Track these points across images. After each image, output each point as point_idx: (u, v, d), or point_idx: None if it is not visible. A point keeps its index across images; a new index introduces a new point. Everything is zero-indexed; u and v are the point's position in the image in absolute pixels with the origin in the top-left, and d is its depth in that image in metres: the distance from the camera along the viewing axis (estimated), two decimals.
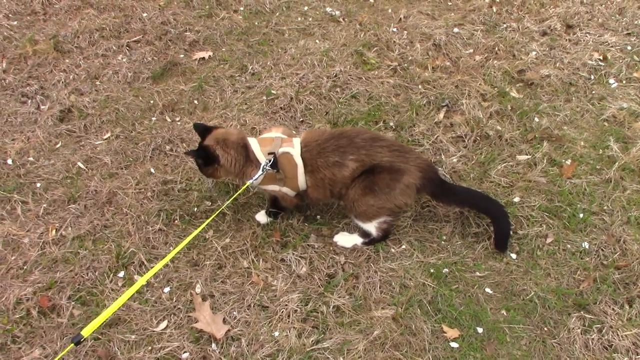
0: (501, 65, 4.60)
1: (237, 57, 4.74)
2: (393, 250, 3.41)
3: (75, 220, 3.55)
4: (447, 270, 3.31)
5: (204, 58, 4.73)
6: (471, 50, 4.78)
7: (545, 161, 3.87)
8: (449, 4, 5.36)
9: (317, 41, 4.88)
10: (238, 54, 4.78)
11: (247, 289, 3.20)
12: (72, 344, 2.19)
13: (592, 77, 4.55)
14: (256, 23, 5.11)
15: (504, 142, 4.03)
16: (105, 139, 4.09)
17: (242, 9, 5.26)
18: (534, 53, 4.72)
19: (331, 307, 3.10)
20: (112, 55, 4.71)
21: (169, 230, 3.51)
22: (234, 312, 3.07)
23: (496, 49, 4.77)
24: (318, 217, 3.60)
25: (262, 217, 3.57)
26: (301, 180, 3.22)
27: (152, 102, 4.36)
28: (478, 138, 4.06)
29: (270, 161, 3.12)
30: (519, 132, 4.09)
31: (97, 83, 4.48)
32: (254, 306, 3.10)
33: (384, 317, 3.04)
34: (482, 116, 4.18)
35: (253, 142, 3.21)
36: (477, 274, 3.30)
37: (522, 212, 3.57)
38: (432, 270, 3.30)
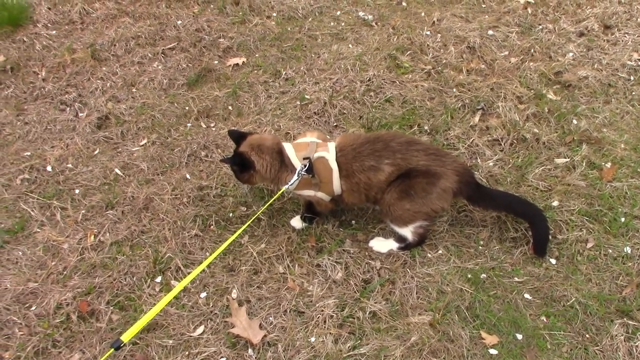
0: (537, 67, 4.52)
1: (270, 63, 4.76)
2: (429, 255, 3.38)
3: (113, 226, 3.59)
4: (484, 275, 3.26)
5: (237, 64, 4.76)
6: (506, 53, 4.71)
7: (584, 164, 3.79)
8: (483, 6, 5.30)
9: (350, 45, 4.88)
10: (271, 59, 4.80)
11: (283, 294, 3.20)
12: (112, 349, 2.22)
13: (632, 78, 4.45)
14: (289, 29, 5.13)
15: (542, 145, 3.96)
16: (142, 145, 4.14)
17: (274, 14, 5.28)
18: (571, 54, 4.63)
19: (367, 312, 3.08)
20: (147, 62, 4.77)
21: (205, 235, 3.53)
22: (270, 318, 3.07)
23: (532, 50, 4.70)
24: (353, 222, 3.59)
25: (297, 222, 3.56)
26: (336, 184, 3.20)
27: (187, 108, 4.40)
28: (515, 141, 4.00)
29: (305, 166, 3.11)
30: (557, 135, 4.01)
31: (134, 90, 4.55)
32: (290, 312, 3.09)
33: (421, 323, 3.01)
34: (518, 119, 4.12)
35: (288, 148, 3.19)
36: (516, 279, 3.24)
37: (561, 217, 3.50)
38: (469, 276, 3.25)
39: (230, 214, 3.65)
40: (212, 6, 5.36)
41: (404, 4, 5.41)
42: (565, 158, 3.87)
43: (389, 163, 3.12)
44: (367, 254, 3.40)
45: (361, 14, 5.27)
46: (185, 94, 4.53)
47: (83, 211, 3.68)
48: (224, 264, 3.38)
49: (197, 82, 4.63)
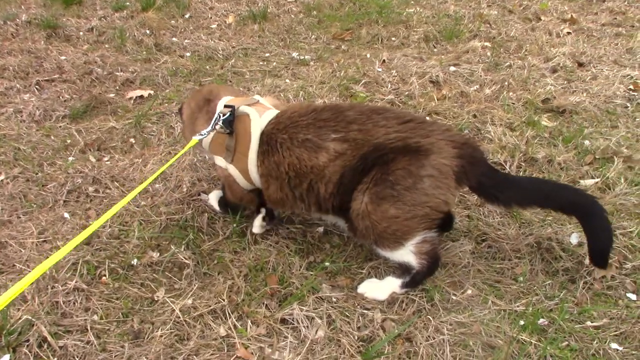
0: (520, 96, 3.69)
1: (186, 96, 3.62)
2: (455, 297, 2.18)
3: None
4: (543, 320, 2.08)
5: (142, 96, 3.59)
6: (477, 86, 3.87)
7: (623, 181, 2.83)
8: (435, 50, 4.55)
9: (287, 80, 3.87)
10: (187, 93, 3.67)
11: None
12: None
13: (629, 105, 3.69)
14: (207, 67, 4.08)
15: (557, 167, 3.00)
16: None
17: (188, 54, 4.24)
18: (551, 87, 3.85)
19: None
20: (14, 94, 3.50)
21: (92, 289, 2.14)
22: None
23: (506, 83, 3.89)
24: (327, 263, 2.34)
25: (214, 198, 2.60)
26: (252, 159, 2.21)
27: (69, 141, 3.13)
28: (522, 163, 3.01)
29: (224, 115, 2.20)
30: (573, 155, 3.07)
31: None
32: None
33: None
34: (517, 142, 3.16)
35: (224, 98, 2.35)
36: (589, 323, 2.08)
37: (620, 242, 2.45)
38: (522, 322, 2.08)
39: (135, 261, 2.30)
40: (106, 45, 4.25)
41: (343, 47, 4.55)
42: (594, 178, 2.90)
43: (337, 139, 2.07)
44: (357, 301, 2.15)
45: (295, 54, 4.33)
46: (67, 127, 3.27)
47: None
48: (122, 329, 2.00)
49: (84, 114, 3.39)
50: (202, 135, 2.19)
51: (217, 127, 2.20)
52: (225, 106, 2.24)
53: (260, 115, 2.21)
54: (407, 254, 2.11)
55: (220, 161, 2.29)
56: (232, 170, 2.25)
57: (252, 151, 2.18)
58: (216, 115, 2.21)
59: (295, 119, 2.15)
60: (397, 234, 2.07)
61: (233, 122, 2.20)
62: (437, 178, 2.02)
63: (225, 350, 1.93)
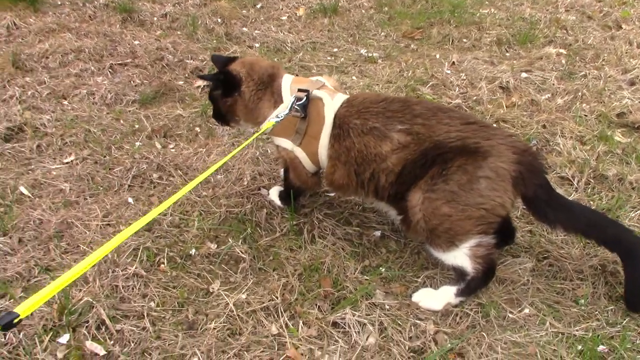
0: (593, 108, 3.55)
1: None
2: (511, 315, 2.12)
3: (0, 259, 2.22)
4: (603, 347, 2.00)
5: (209, 85, 3.62)
6: (548, 95, 3.75)
7: None
8: (507, 54, 4.42)
9: (354, 77, 3.85)
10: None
11: None
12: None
13: None
14: (275, 59, 4.09)
15: (629, 186, 2.87)
16: (67, 162, 2.86)
17: (257, 45, 4.26)
18: (627, 101, 3.68)
19: None
20: (88, 76, 3.60)
21: (150, 276, 2.19)
22: None
23: (580, 93, 3.75)
24: (382, 269, 2.32)
25: (274, 193, 2.64)
26: (323, 143, 2.23)
27: (137, 126, 3.19)
28: (591, 180, 2.90)
29: (300, 99, 2.22)
30: None
31: (64, 103, 3.34)
32: None
33: None
34: (587, 157, 3.05)
35: (286, 77, 2.38)
36: None
37: None
38: (579, 347, 2.00)
39: (193, 251, 2.33)
40: (178, 32, 4.32)
41: (412, 46, 4.49)
42: None
43: (402, 130, 2.08)
44: (410, 310, 2.11)
45: (363, 51, 4.30)
46: (136, 112, 3.34)
47: None
48: (177, 318, 2.04)
49: (153, 99, 3.46)
50: (279, 118, 2.20)
51: (295, 108, 2.23)
52: (299, 90, 2.25)
53: (332, 99, 2.22)
54: (461, 256, 2.08)
55: (286, 143, 2.31)
56: (299, 152, 2.28)
57: (325, 135, 2.20)
58: (292, 99, 2.23)
59: (367, 106, 2.18)
60: (450, 233, 2.04)
61: (307, 107, 2.23)
62: (494, 180, 1.99)
63: (276, 349, 1.94)
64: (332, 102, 2.23)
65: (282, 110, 2.24)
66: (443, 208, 2.01)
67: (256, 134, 2.25)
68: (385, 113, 2.13)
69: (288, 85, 2.33)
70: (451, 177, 2.00)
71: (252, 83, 2.36)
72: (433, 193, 2.02)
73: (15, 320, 1.30)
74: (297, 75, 2.55)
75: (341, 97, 2.28)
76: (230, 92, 2.38)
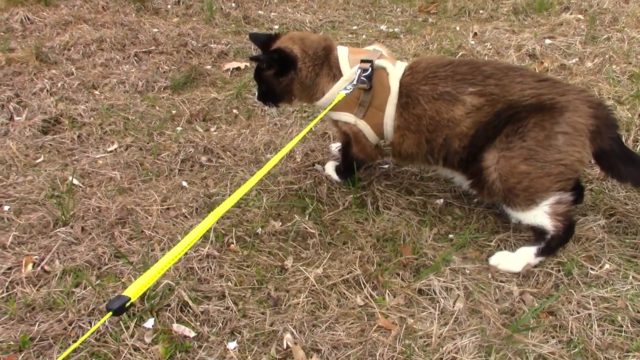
0: (624, 69, 3.54)
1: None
2: (593, 272, 2.10)
3: (66, 248, 2.17)
4: None
5: (238, 68, 3.57)
6: (576, 59, 3.73)
7: None
8: (525, 22, 4.40)
9: None
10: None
11: (374, 337, 1.82)
12: (110, 313, 1.23)
13: None
14: None
15: None
16: (111, 151, 2.80)
17: (276, 27, 4.20)
18: None
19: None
20: (115, 65, 3.53)
21: (223, 257, 2.14)
22: None
23: (607, 56, 3.74)
24: (451, 235, 2.29)
25: (330, 168, 2.59)
26: (389, 114, 2.18)
27: (174, 111, 3.13)
28: (639, 137, 2.89)
29: (366, 70, 2.15)
30: None
31: (96, 93, 3.27)
32: None
33: None
34: (630, 115, 3.04)
35: (341, 49, 2.30)
36: None
37: None
38: None
39: (260, 230, 2.29)
40: (194, 18, 4.25)
41: (430, 20, 4.46)
42: None
43: (474, 92, 2.05)
44: (491, 274, 2.09)
45: (383, 27, 4.26)
46: (170, 97, 3.28)
47: (15, 232, 2.23)
48: (259, 296, 1.99)
49: (184, 85, 3.40)
50: (347, 90, 2.14)
51: (362, 79, 2.16)
52: (362, 61, 2.19)
53: (395, 67, 2.18)
54: (540, 215, 2.06)
55: (348, 117, 2.26)
56: (362, 125, 2.24)
57: (391, 105, 2.16)
58: (357, 71, 2.16)
59: (433, 70, 2.13)
60: (529, 192, 2.02)
61: (372, 78, 2.17)
62: (572, 135, 1.97)
63: (365, 320, 1.90)
64: (395, 71, 2.19)
65: (345, 83, 2.19)
66: (521, 166, 1.98)
67: (327, 109, 2.19)
68: (455, 76, 2.09)
69: (346, 57, 2.27)
70: (528, 134, 1.98)
71: (308, 59, 2.29)
72: (509, 151, 1.99)
73: (127, 304, 1.25)
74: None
75: (402, 65, 2.23)
76: (286, 71, 2.30)
